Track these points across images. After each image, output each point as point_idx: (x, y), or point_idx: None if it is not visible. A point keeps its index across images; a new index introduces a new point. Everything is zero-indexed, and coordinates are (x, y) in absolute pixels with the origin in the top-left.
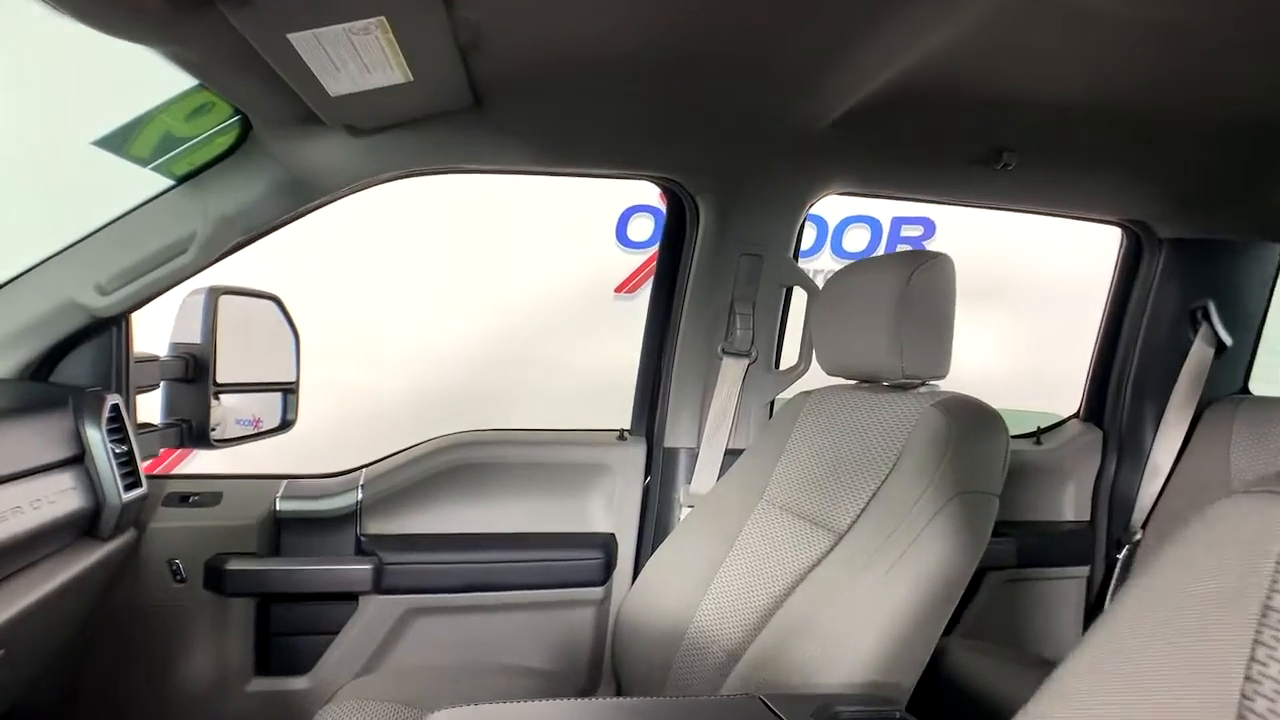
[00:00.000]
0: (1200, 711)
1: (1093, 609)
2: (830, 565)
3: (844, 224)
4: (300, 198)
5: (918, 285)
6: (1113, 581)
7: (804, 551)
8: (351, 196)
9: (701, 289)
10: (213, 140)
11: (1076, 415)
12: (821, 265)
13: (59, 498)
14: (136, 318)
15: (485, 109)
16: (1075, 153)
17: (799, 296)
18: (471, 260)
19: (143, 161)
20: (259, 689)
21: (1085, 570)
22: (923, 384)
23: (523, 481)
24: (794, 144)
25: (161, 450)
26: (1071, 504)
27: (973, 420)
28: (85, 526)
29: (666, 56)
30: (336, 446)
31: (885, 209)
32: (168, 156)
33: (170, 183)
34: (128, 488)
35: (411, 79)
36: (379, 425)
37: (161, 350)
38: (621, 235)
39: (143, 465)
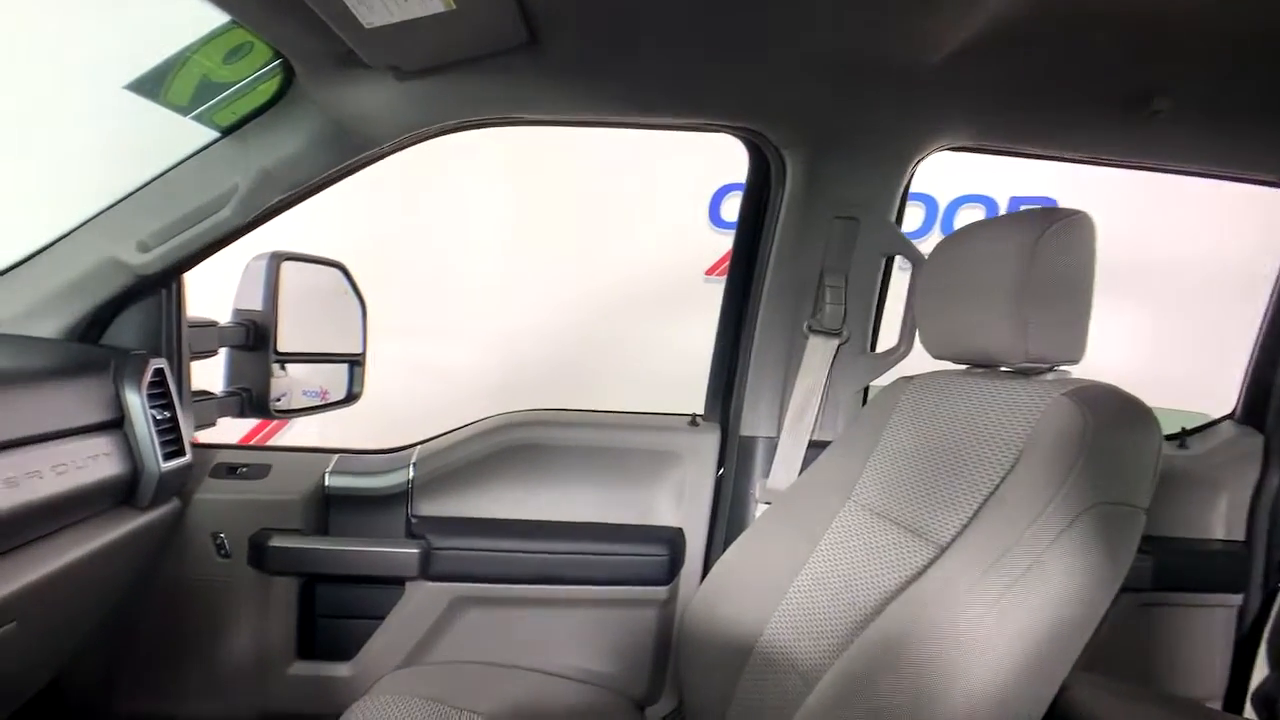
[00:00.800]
0: None
1: (1244, 643)
2: (929, 583)
3: (956, 203)
4: (345, 151)
5: (1047, 249)
6: (1273, 612)
7: (897, 565)
8: (438, 173)
9: (786, 258)
10: (256, 88)
11: (1231, 416)
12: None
13: (92, 463)
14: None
15: (541, 48)
16: (1247, 98)
17: (900, 271)
18: (559, 238)
19: (182, 110)
20: (300, 673)
21: (1238, 599)
22: (1051, 369)
23: (584, 466)
24: (898, 87)
25: (217, 419)
26: (1222, 520)
27: (1117, 415)
28: (123, 494)
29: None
30: (411, 426)
31: (1002, 186)
32: (209, 105)
33: (216, 135)
34: (169, 456)
35: (454, 6)
36: (456, 405)
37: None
38: (714, 215)
39: (194, 433)
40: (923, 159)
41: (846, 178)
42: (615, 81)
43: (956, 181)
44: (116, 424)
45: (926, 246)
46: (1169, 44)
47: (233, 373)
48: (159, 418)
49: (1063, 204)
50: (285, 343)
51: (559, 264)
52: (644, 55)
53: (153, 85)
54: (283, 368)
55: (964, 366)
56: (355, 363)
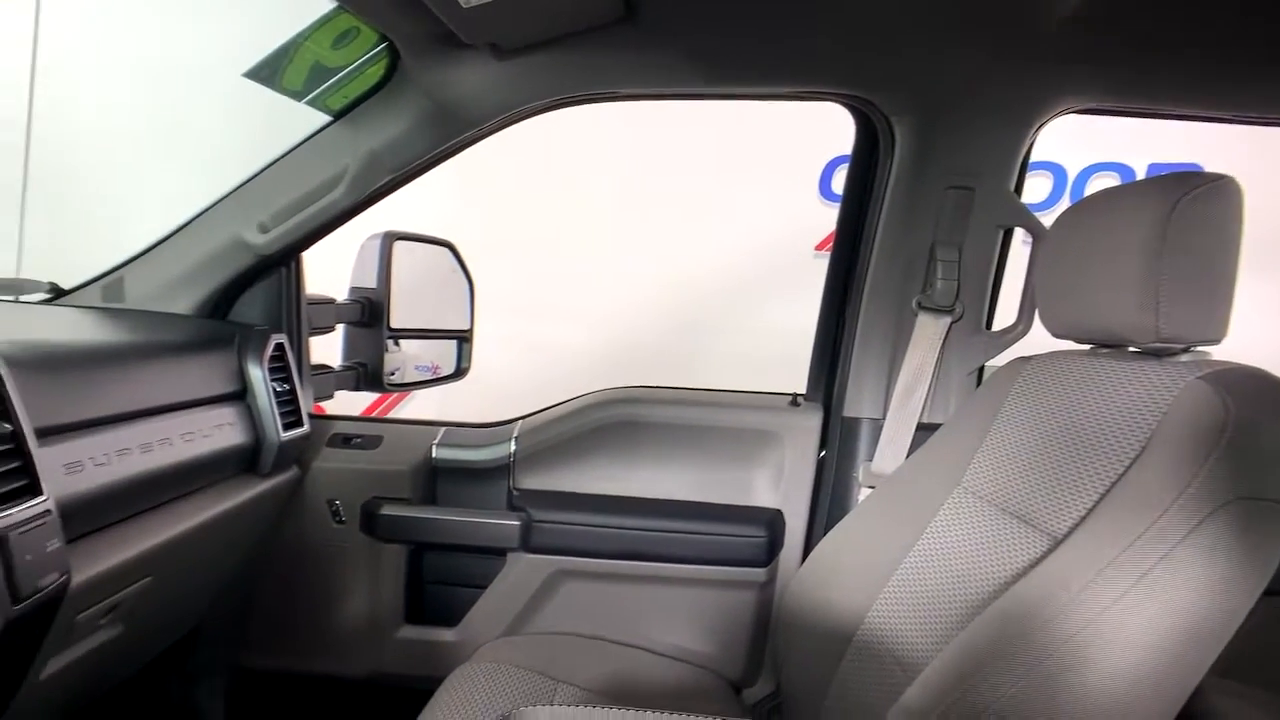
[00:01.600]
0: None
1: None
2: (1044, 576)
3: (1087, 172)
4: (448, 131)
5: (1184, 218)
6: None
7: (1008, 557)
8: (544, 152)
9: (894, 230)
10: (364, 72)
11: None
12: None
13: (217, 431)
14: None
15: (638, 20)
16: None
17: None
18: (665, 216)
19: (297, 95)
20: (407, 636)
21: None
22: (1186, 350)
23: (682, 445)
24: (1017, 44)
25: (335, 392)
26: None
27: (1261, 401)
28: (245, 462)
29: None
30: (518, 401)
31: (1140, 152)
32: (321, 89)
33: (329, 119)
34: (288, 426)
35: None
36: (553, 382)
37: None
38: (825, 188)
39: (312, 405)
40: (1046, 123)
41: (961, 145)
42: (715, 52)
43: (1088, 148)
44: (239, 395)
45: (1052, 220)
46: None
47: (349, 348)
48: (279, 390)
49: (1206, 169)
50: (398, 319)
51: (665, 242)
52: (744, 23)
53: (268, 71)
54: (395, 343)
55: (1088, 346)
56: (464, 339)
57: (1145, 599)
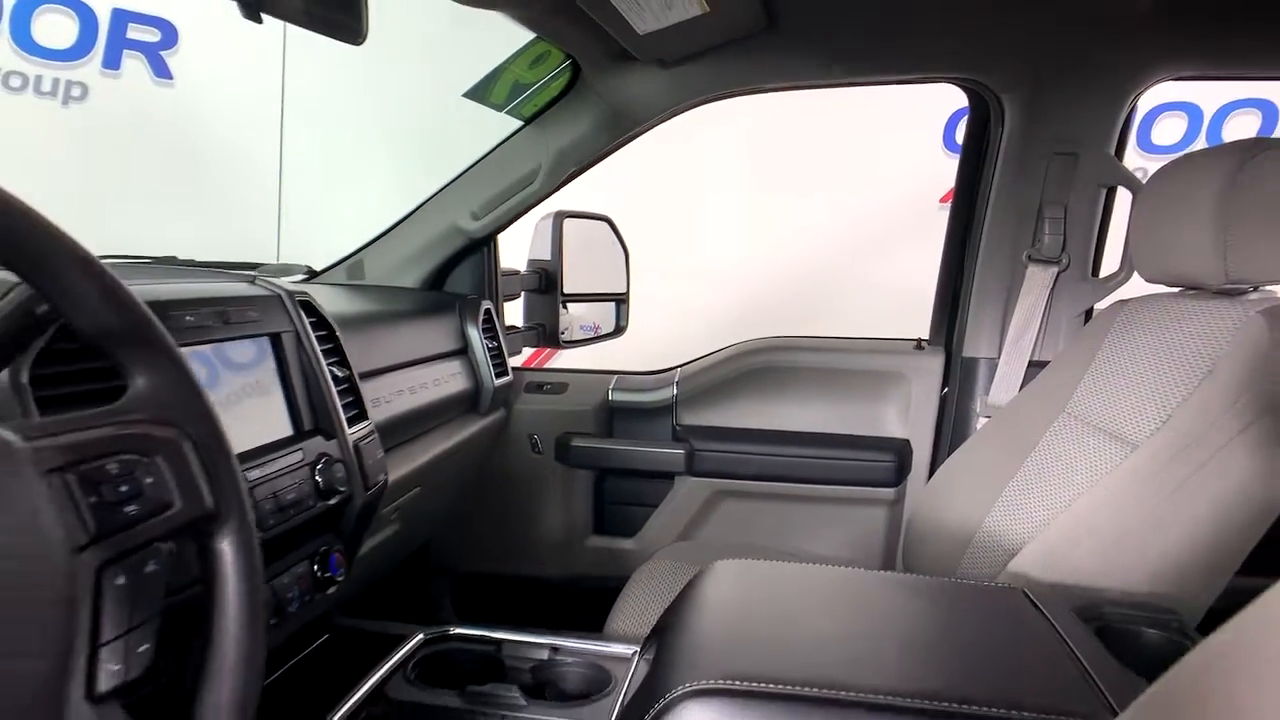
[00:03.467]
0: None
1: None
2: (1120, 474)
3: (1225, 111)
4: (620, 129)
5: (1252, 174)
6: None
7: (1096, 462)
8: (684, 131)
9: (1006, 192)
10: (550, 84)
11: None
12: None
13: (450, 380)
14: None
15: (778, 28)
16: None
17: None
18: (794, 175)
19: (499, 107)
20: (595, 545)
21: None
22: (1255, 290)
23: (820, 385)
24: (1113, 20)
25: (524, 348)
26: None
27: None
28: (469, 404)
29: None
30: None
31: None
32: (517, 101)
33: (519, 124)
34: (497, 375)
35: (708, 9)
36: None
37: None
38: (949, 140)
39: (510, 359)
40: (1143, 91)
41: (1064, 115)
42: (844, 48)
43: (1226, 85)
44: (461, 351)
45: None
46: None
47: (529, 311)
48: (490, 346)
49: None
50: (568, 286)
51: (795, 200)
52: (869, 22)
53: (481, 91)
54: (564, 307)
55: (1176, 289)
56: (621, 301)
57: (1200, 486)
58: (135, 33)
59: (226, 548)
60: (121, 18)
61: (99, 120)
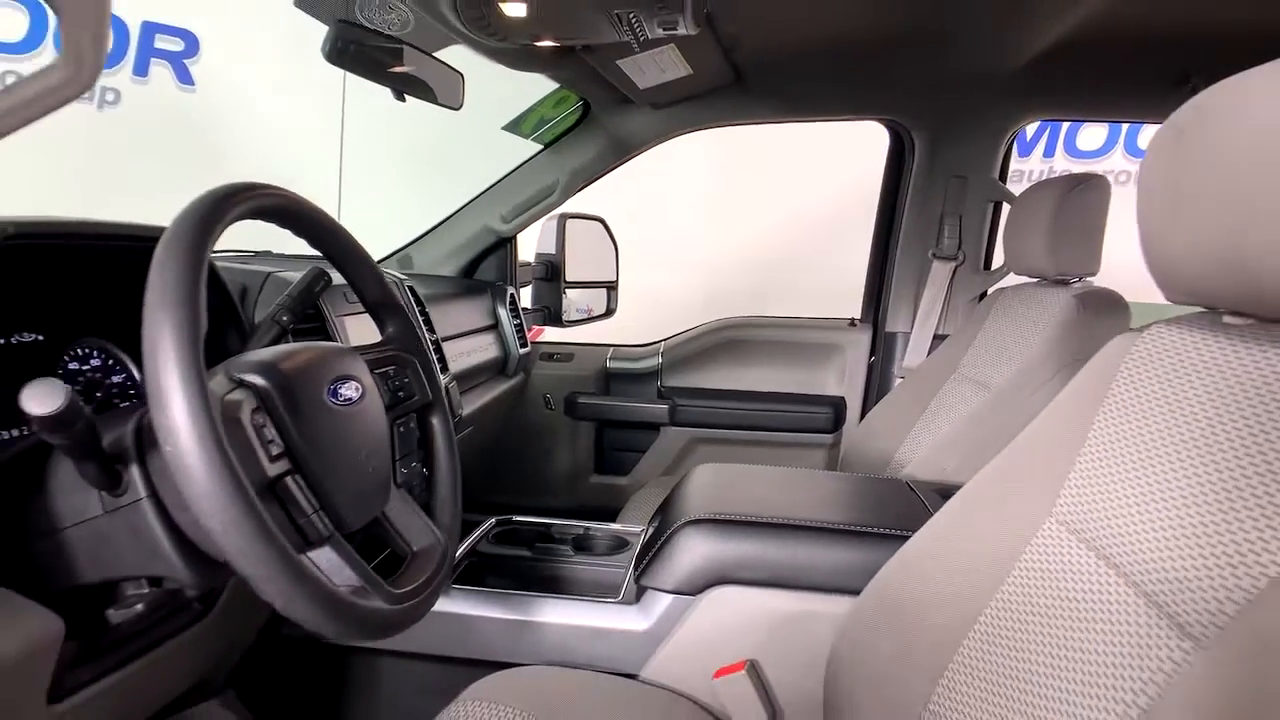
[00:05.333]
0: None
1: None
2: (979, 406)
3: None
4: (621, 154)
5: (1072, 200)
6: None
7: (969, 401)
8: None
9: (916, 205)
10: (565, 119)
11: None
12: (1113, 165)
13: (487, 348)
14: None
15: (743, 82)
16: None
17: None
18: (754, 175)
19: (525, 135)
20: (596, 481)
21: None
22: (1079, 280)
23: (775, 355)
24: (992, 84)
25: (533, 326)
26: None
27: (1100, 308)
28: (499, 369)
29: (885, 23)
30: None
31: None
32: (540, 131)
33: (539, 148)
34: (520, 346)
35: (691, 72)
36: (663, 322)
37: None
38: None
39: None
40: (1016, 130)
41: (958, 148)
42: (792, 96)
43: None
44: (493, 327)
45: (1108, 164)
46: (1197, 41)
47: (536, 296)
48: (514, 323)
49: None
50: (570, 275)
51: (754, 198)
52: (811, 77)
53: (515, 125)
54: (565, 293)
55: (1034, 280)
56: (611, 288)
57: (1027, 412)
58: (162, 42)
59: (437, 422)
60: (150, 29)
61: (131, 122)
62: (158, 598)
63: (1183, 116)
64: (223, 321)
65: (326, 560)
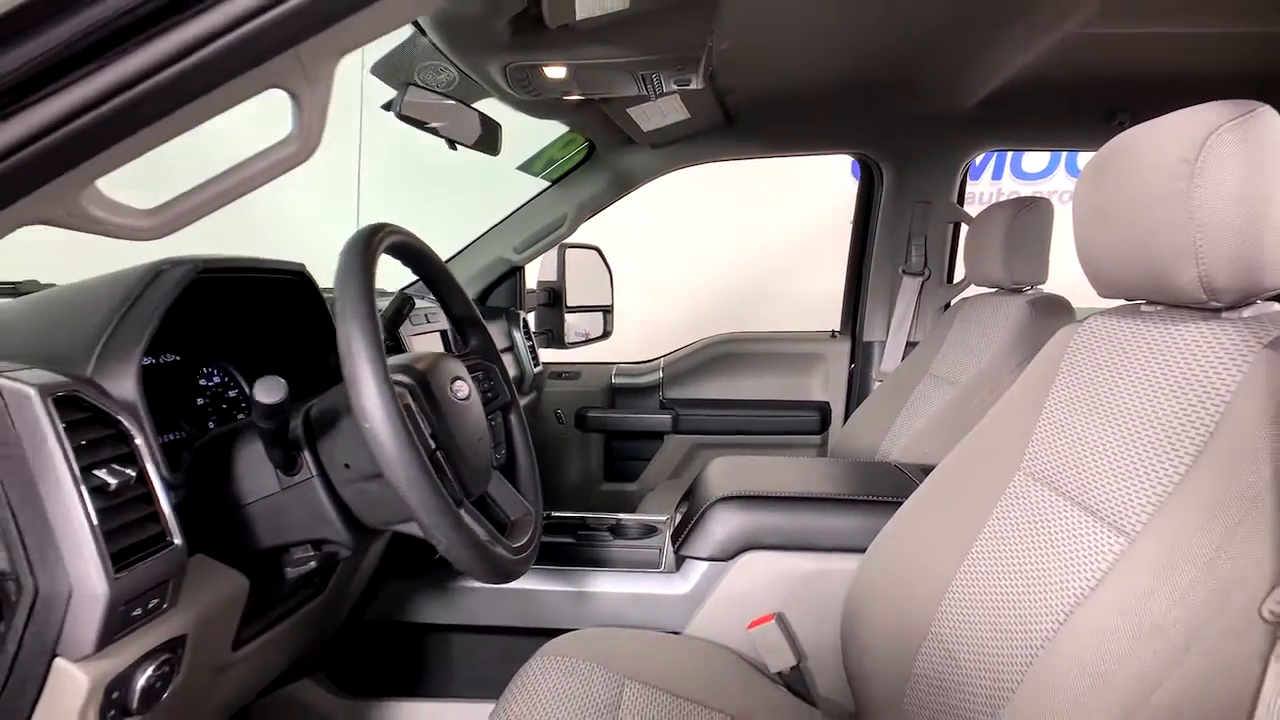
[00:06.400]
0: None
1: None
2: (944, 403)
3: None
4: (622, 189)
5: (1021, 220)
6: None
7: (937, 398)
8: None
9: (886, 228)
10: (571, 158)
11: None
12: (1056, 185)
13: (509, 369)
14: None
15: (733, 124)
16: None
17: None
18: (731, 205)
19: (534, 174)
20: (606, 488)
21: None
22: (1031, 288)
23: (765, 366)
24: (951, 119)
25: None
26: None
27: (1050, 311)
28: (515, 386)
29: (857, 71)
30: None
31: None
32: (549, 169)
33: (546, 185)
34: (534, 366)
35: (689, 116)
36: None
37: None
38: (856, 169)
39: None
40: (969, 162)
41: (921, 178)
42: (776, 134)
43: None
44: (508, 349)
45: (1051, 185)
46: (1125, 85)
47: (539, 320)
48: (527, 345)
49: None
50: (570, 300)
51: (732, 228)
52: (797, 119)
53: (528, 165)
54: (565, 317)
55: (992, 290)
56: (607, 311)
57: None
58: None
59: (515, 419)
60: None
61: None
62: (321, 559)
63: (1106, 150)
64: (330, 336)
65: (467, 517)
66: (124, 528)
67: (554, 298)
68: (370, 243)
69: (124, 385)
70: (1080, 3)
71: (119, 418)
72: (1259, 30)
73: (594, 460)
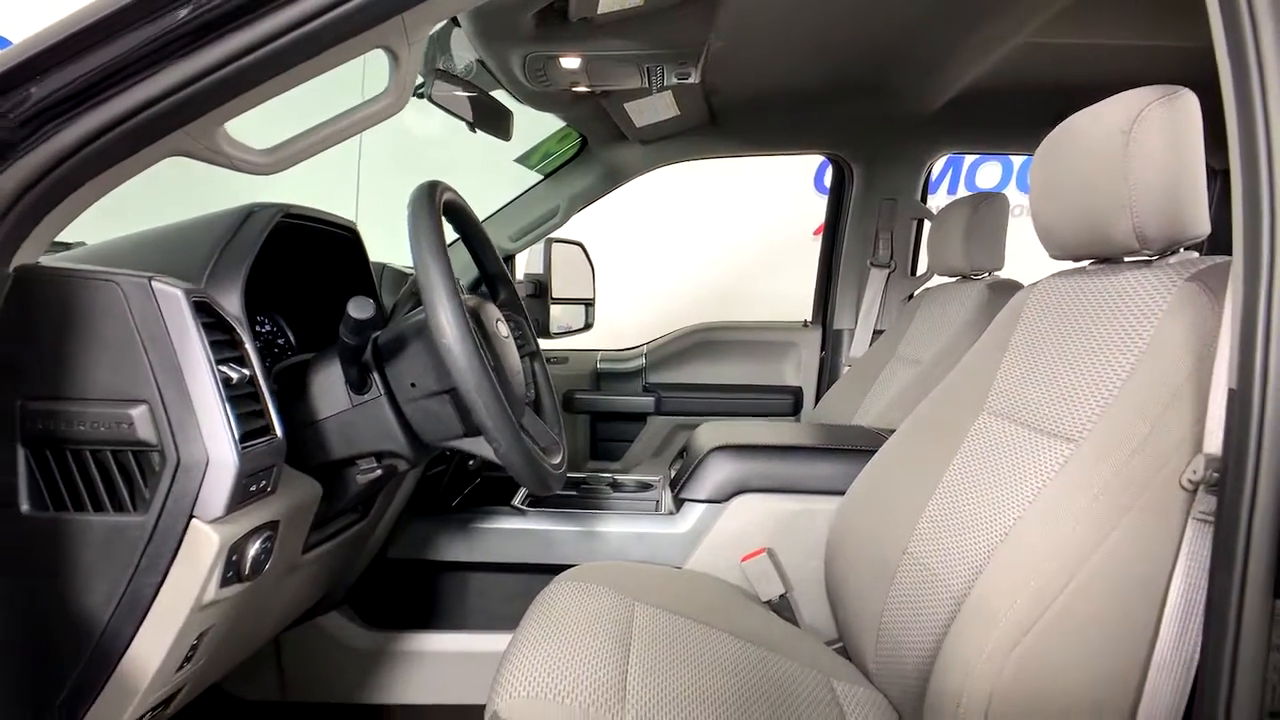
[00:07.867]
0: None
1: None
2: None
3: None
4: (612, 183)
5: (980, 215)
6: None
7: (899, 379)
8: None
9: (855, 224)
10: (565, 152)
11: None
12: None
13: None
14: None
15: (717, 123)
16: None
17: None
18: (697, 216)
19: (529, 166)
20: (592, 467)
21: None
22: (989, 274)
23: (741, 353)
24: (916, 122)
25: None
26: None
27: (1005, 292)
28: None
29: (830, 75)
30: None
31: None
32: (544, 163)
33: (540, 178)
34: None
35: (679, 113)
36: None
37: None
38: (819, 182)
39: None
40: (934, 161)
41: (887, 177)
42: (756, 133)
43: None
44: None
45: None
46: (1071, 94)
47: (527, 310)
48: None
49: None
50: (555, 292)
51: (698, 236)
52: (774, 119)
53: (525, 158)
54: (550, 308)
55: (955, 279)
56: (588, 304)
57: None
58: None
59: (538, 366)
60: None
61: None
62: (385, 469)
63: (1056, 132)
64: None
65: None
66: (241, 416)
67: (540, 289)
68: (433, 193)
69: (231, 300)
70: (1033, 13)
71: (234, 325)
72: (1182, 44)
73: (580, 440)
